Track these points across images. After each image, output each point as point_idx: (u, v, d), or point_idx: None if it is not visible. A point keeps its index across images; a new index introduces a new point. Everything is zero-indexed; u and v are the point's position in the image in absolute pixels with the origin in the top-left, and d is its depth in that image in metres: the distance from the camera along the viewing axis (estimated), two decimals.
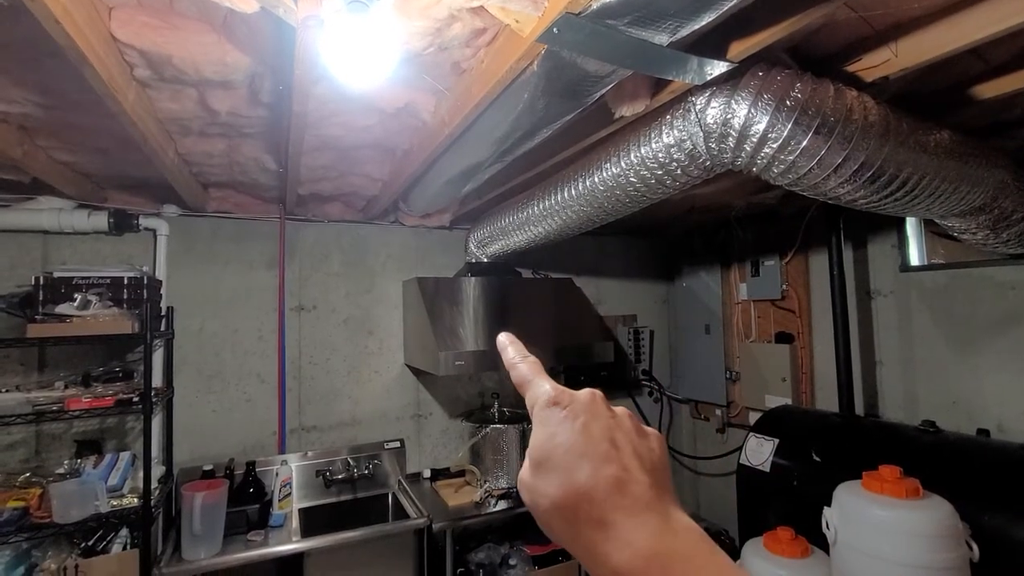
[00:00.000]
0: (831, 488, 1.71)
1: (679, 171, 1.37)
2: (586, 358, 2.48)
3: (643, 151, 1.40)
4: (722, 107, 1.16)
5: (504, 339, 0.48)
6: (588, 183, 1.66)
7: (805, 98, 1.09)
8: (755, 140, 1.14)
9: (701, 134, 1.23)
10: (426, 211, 2.60)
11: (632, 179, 1.48)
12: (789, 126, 1.10)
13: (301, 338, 2.56)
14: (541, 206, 2.02)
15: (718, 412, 3.15)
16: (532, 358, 0.46)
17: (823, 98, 1.10)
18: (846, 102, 1.11)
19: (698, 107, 1.21)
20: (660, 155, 1.36)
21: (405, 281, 2.73)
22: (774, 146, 1.13)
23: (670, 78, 1.10)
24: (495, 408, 2.68)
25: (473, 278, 2.65)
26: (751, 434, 2.32)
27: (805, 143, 1.11)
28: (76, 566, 1.74)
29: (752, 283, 2.90)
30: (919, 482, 1.47)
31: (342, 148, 1.82)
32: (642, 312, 3.44)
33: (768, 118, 1.11)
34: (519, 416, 2.64)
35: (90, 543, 1.85)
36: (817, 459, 1.99)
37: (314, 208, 2.62)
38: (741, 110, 1.13)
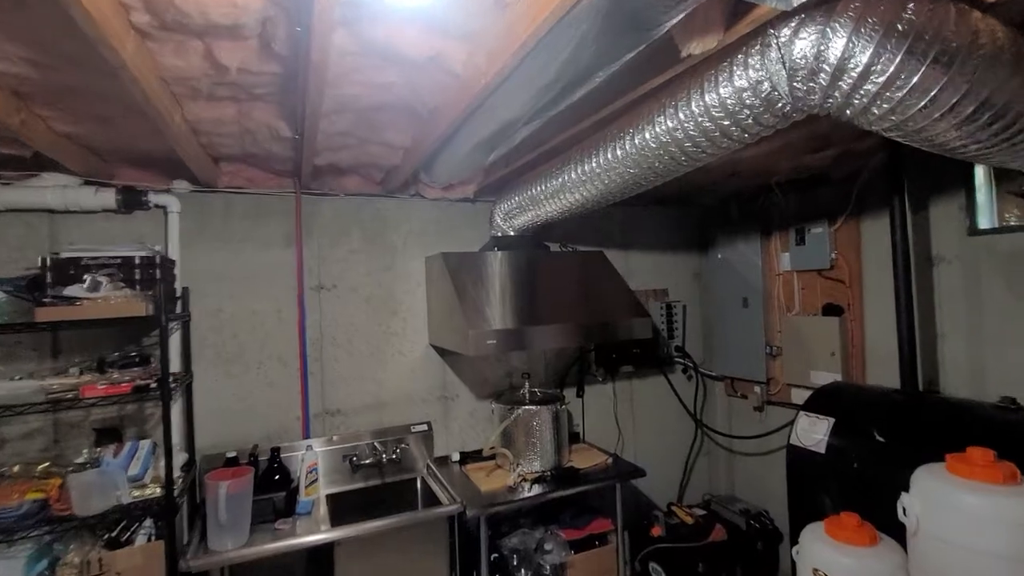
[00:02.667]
0: (900, 471, 1.57)
1: (750, 120, 1.20)
2: (619, 335, 2.34)
3: (708, 98, 1.22)
4: (814, 38, 0.99)
5: None
6: (637, 141, 1.50)
7: (921, 21, 0.91)
8: (855, 75, 0.97)
9: (784, 73, 1.05)
10: (449, 181, 2.44)
11: (692, 132, 1.31)
12: (899, 56, 0.92)
13: (322, 318, 2.45)
14: (578, 171, 1.85)
15: (756, 390, 3.00)
16: None
17: (943, 21, 0.92)
18: (970, 25, 0.93)
19: (782, 40, 1.03)
20: (729, 102, 1.18)
21: (428, 257, 2.59)
22: (879, 81, 0.96)
23: (755, 0, 0.93)
24: (525, 389, 2.55)
25: (500, 253, 2.50)
26: (801, 413, 2.17)
27: (917, 77, 0.93)
28: (100, 559, 1.66)
29: (796, 252, 2.71)
30: (1015, 466, 1.32)
31: (361, 110, 1.66)
32: (674, 286, 3.28)
33: (873, 48, 0.93)
34: (551, 397, 2.52)
35: (113, 535, 1.78)
36: (880, 439, 1.84)
37: (331, 182, 2.47)
38: (838, 40, 0.96)
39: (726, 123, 1.23)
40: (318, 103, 1.46)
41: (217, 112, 1.64)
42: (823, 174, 2.55)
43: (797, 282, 2.77)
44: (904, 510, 1.43)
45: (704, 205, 3.31)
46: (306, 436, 2.38)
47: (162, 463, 1.79)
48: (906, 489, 1.46)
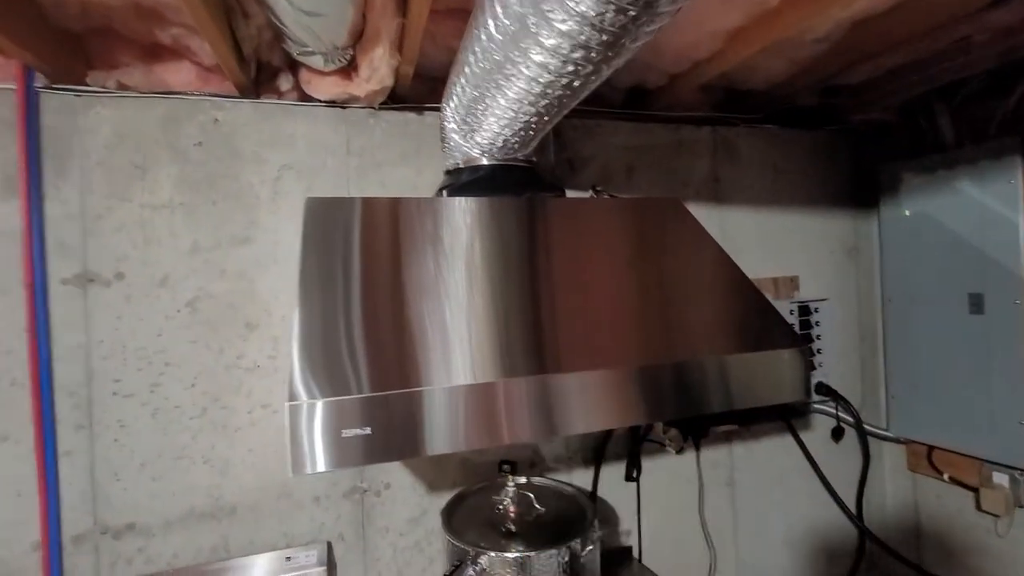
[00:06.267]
0: None
1: None
2: (741, 399, 0.94)
3: None
4: None
5: None
6: None
7: None
8: None
9: None
10: (347, 43, 1.12)
11: None
12: None
13: (92, 341, 1.21)
14: None
15: (999, 479, 1.49)
16: None
17: None
18: None
19: None
20: None
21: (323, 206, 1.27)
22: None
23: None
24: (508, 490, 1.20)
25: (466, 201, 1.16)
26: None
27: None
28: None
29: None
30: None
31: None
32: (809, 271, 1.79)
33: None
34: (567, 520, 1.15)
35: None
36: None
37: (122, 71, 1.22)
38: None
39: None
40: None
41: None
42: None
43: None
44: None
45: (869, 121, 1.77)
46: None
47: None
48: None
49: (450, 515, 1.19)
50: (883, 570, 1.77)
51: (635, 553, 1.56)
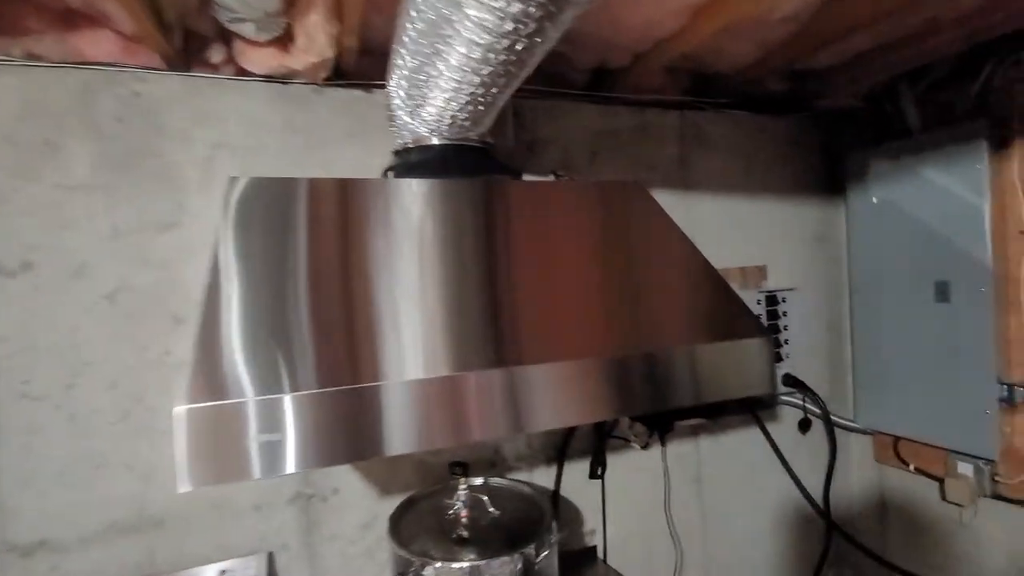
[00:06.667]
0: None
1: None
2: (709, 390, 0.88)
3: None
4: None
5: None
6: None
7: None
8: None
9: None
10: (279, 9, 1.02)
11: None
12: None
13: None
14: None
15: (963, 469, 1.47)
16: None
17: None
18: None
19: None
20: None
21: (260, 186, 1.17)
22: None
23: None
24: (461, 493, 1.12)
25: (417, 183, 1.08)
26: None
27: None
28: None
29: None
30: None
31: None
32: (777, 259, 1.76)
33: None
34: (515, 530, 1.08)
35: None
36: None
37: (31, 38, 1.09)
38: None
39: None
40: None
41: None
42: None
43: None
44: None
45: (836, 108, 1.74)
46: None
47: None
48: None
49: (398, 521, 1.11)
50: (851, 563, 1.75)
51: (600, 553, 1.50)
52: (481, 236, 1.08)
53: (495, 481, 1.24)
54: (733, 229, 1.70)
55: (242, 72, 1.23)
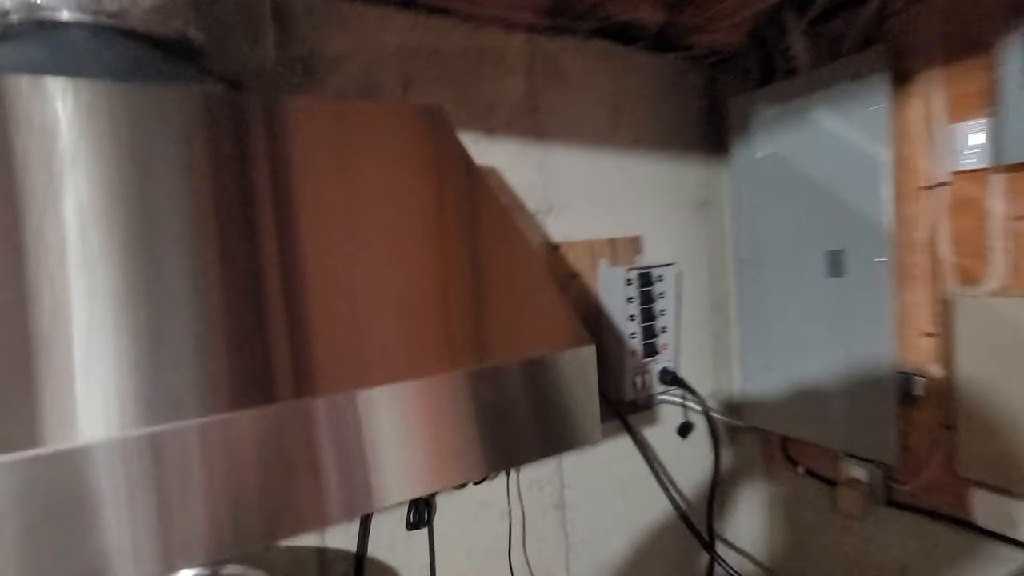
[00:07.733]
0: None
1: None
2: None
3: None
4: None
5: None
6: None
7: None
8: None
9: None
10: None
11: None
12: None
13: None
14: None
15: (858, 472, 1.25)
16: None
17: None
18: None
19: None
20: None
21: None
22: None
23: None
24: None
25: (50, 83, 0.57)
26: None
27: None
28: None
29: (1007, 122, 0.91)
30: None
31: None
32: (653, 230, 1.44)
33: None
34: None
35: None
36: None
37: None
38: None
39: None
40: None
41: None
42: None
43: (1002, 203, 0.98)
44: None
45: (718, 45, 1.44)
46: None
47: None
48: None
49: None
50: None
51: None
52: (175, 178, 0.62)
53: (232, 570, 0.81)
54: (600, 191, 1.35)
55: None
